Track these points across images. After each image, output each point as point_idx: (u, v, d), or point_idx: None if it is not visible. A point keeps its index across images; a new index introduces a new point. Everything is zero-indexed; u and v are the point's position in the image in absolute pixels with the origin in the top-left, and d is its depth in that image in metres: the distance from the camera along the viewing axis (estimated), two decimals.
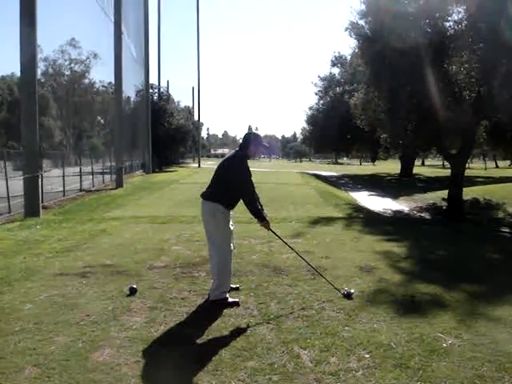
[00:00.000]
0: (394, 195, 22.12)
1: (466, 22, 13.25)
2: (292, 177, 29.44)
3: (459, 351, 3.66)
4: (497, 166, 60.24)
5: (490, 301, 4.88)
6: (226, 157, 4.96)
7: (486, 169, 52.91)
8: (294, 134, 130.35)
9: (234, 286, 5.06)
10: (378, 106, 16.17)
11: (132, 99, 33.95)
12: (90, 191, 18.75)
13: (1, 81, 57.03)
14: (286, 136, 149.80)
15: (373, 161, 56.42)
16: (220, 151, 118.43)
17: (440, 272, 6.07)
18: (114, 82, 23.36)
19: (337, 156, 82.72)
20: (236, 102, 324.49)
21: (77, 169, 19.89)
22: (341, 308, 4.57)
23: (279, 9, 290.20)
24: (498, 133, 20.70)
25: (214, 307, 4.56)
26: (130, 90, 31.25)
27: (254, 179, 4.78)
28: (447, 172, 22.56)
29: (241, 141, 4.91)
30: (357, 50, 17.72)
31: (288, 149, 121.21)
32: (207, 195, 4.70)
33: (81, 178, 18.98)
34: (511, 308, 4.65)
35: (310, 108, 43.77)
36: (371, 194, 22.98)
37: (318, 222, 10.33)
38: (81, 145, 54.97)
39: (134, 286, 5.02)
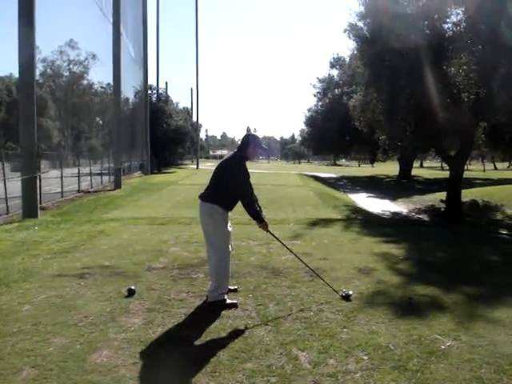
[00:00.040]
0: (393, 197, 22.15)
1: (464, 24, 13.29)
2: (290, 178, 29.46)
3: (458, 353, 3.66)
4: (495, 168, 60.40)
5: (488, 303, 4.89)
6: (225, 158, 4.95)
7: (484, 170, 53.03)
8: (293, 136, 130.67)
9: (232, 287, 5.05)
10: (377, 108, 16.20)
11: (130, 100, 33.89)
12: (89, 192, 18.72)
13: None
14: (285, 137, 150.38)
15: (371, 162, 56.34)
16: (219, 152, 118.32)
17: (438, 274, 6.07)
18: (112, 83, 23.34)
19: (335, 158, 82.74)
20: (235, 104, 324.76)
21: (75, 170, 19.87)
22: (339, 310, 4.57)
23: (278, 10, 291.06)
24: (497, 134, 20.75)
25: (212, 309, 4.55)
26: (128, 91, 31.21)
27: (252, 181, 4.77)
28: (446, 174, 22.59)
29: (239, 142, 4.91)
30: (356, 52, 17.75)
31: (286, 150, 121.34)
32: (205, 196, 4.69)
33: (79, 179, 18.95)
34: (510, 310, 4.65)
35: (309, 110, 43.82)
36: (370, 196, 23.01)
37: (316, 223, 10.32)
38: (79, 146, 54.86)
39: (133, 288, 5.01)
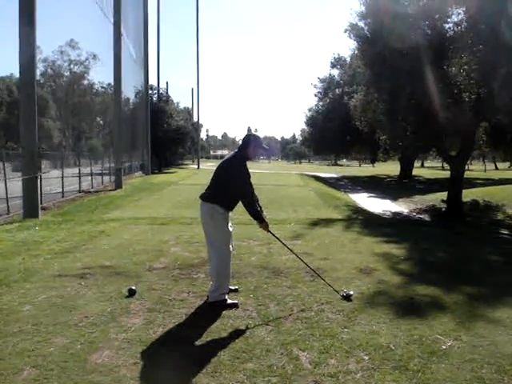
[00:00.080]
0: (394, 197, 22.14)
1: (465, 24, 13.28)
2: (291, 178, 29.46)
3: (458, 353, 3.65)
4: (496, 168, 60.35)
5: (489, 303, 4.88)
6: (226, 158, 4.95)
7: (485, 170, 53.01)
8: (294, 136, 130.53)
9: (232, 287, 5.05)
10: (378, 108, 16.20)
11: (131, 100, 33.93)
12: (89, 192, 18.73)
13: (0, 81, 56.98)
14: (286, 137, 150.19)
15: (372, 162, 56.40)
16: (219, 152, 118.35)
17: (439, 274, 6.07)
18: (113, 83, 23.34)
19: (336, 158, 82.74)
20: (235, 104, 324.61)
21: (76, 170, 19.88)
22: (340, 310, 4.57)
23: (279, 10, 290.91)
24: (498, 134, 20.77)
25: (213, 309, 4.55)
26: (129, 91, 31.25)
27: (253, 180, 4.77)
28: (447, 174, 22.59)
29: (240, 142, 4.91)
30: (356, 52, 17.76)
31: (287, 150, 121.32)
32: (206, 196, 4.69)
33: (80, 179, 18.96)
34: (511, 310, 4.64)
35: (310, 109, 43.87)
36: (370, 196, 23.00)
37: (317, 223, 10.32)
38: (80, 146, 54.87)
39: (133, 288, 5.01)
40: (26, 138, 11.18)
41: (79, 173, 19.22)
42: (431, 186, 28.31)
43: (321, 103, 42.92)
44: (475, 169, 54.33)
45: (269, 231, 4.82)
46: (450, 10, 13.69)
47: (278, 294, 5.06)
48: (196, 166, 50.80)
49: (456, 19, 13.83)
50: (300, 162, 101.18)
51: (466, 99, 14.30)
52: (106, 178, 23.43)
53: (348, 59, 39.04)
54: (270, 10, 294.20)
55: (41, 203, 12.34)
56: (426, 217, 15.64)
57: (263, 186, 17.73)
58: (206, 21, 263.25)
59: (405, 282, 5.61)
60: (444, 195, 16.88)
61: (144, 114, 34.03)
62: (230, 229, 4.75)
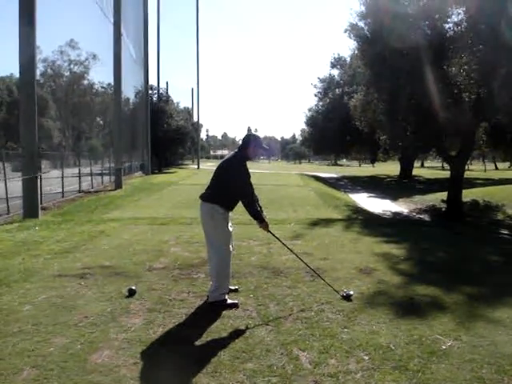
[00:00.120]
0: (394, 197, 22.14)
1: (465, 24, 13.28)
2: (291, 178, 29.46)
3: (458, 353, 3.65)
4: (496, 168, 60.35)
5: (489, 303, 4.88)
6: (226, 158, 4.95)
7: (485, 170, 53.01)
8: (294, 136, 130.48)
9: (232, 287, 5.05)
10: (378, 108, 16.20)
11: (131, 100, 33.93)
12: (89, 192, 18.73)
13: (0, 81, 56.98)
14: (286, 137, 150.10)
15: (372, 162, 56.39)
16: (219, 152, 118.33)
17: (439, 274, 6.07)
18: (113, 83, 23.35)
19: (336, 158, 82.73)
20: (235, 104, 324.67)
21: (76, 170, 19.87)
22: (340, 310, 4.57)
23: (279, 10, 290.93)
24: (498, 134, 20.78)
25: (213, 309, 4.55)
26: (129, 91, 31.26)
27: (253, 180, 4.77)
28: (447, 174, 22.59)
29: (240, 142, 4.91)
30: (356, 52, 17.76)
31: (287, 150, 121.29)
32: (206, 196, 4.69)
33: (80, 179, 18.96)
34: (510, 310, 4.64)
35: (310, 109, 43.88)
36: (370, 196, 23.00)
37: (317, 223, 10.32)
38: (80, 146, 54.88)
39: (133, 288, 5.01)
40: (25, 137, 11.18)
41: (79, 173, 19.21)
42: (431, 185, 28.31)
43: (321, 103, 42.93)
44: (475, 169, 54.33)
45: (269, 231, 4.82)
46: (449, 10, 13.70)
47: (278, 294, 5.06)
48: (196, 166, 50.81)
49: (456, 19, 13.85)
50: (300, 162, 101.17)
51: (466, 99, 14.30)
52: (106, 178, 23.43)
53: (348, 59, 39.07)
54: (270, 10, 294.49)
55: (41, 203, 12.34)
56: (426, 217, 15.64)
57: (263, 186, 17.73)
58: (205, 21, 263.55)
59: (405, 282, 5.61)
60: (444, 195, 16.88)
61: (144, 114, 34.03)
62: (230, 229, 4.75)
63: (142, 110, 34.20)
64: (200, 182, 18.98)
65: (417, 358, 3.55)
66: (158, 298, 4.87)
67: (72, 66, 59.54)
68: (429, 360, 3.52)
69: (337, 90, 42.07)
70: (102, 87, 61.19)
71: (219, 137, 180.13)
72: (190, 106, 55.97)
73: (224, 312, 4.48)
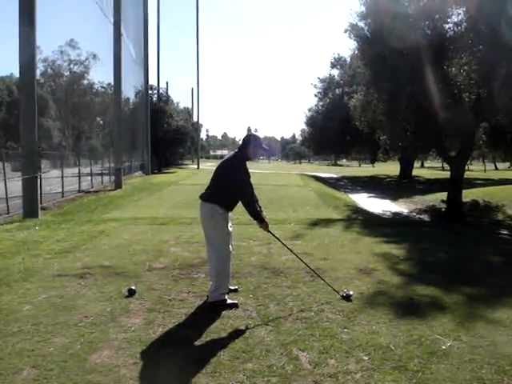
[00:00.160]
0: (394, 197, 22.14)
1: (465, 24, 13.27)
2: (291, 178, 29.47)
3: (458, 353, 3.66)
4: (496, 168, 60.36)
5: (489, 303, 4.88)
6: (225, 158, 4.95)
7: (485, 171, 53.00)
8: (294, 136, 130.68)
9: (232, 287, 5.05)
10: (378, 108, 16.19)
11: (131, 100, 33.94)
12: (89, 192, 18.73)
13: (0, 81, 56.98)
14: (286, 137, 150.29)
15: (372, 162, 56.38)
16: (219, 152, 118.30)
17: (439, 274, 6.07)
18: (113, 83, 23.35)
19: (336, 158, 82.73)
20: (235, 104, 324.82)
21: (76, 170, 19.86)
22: (340, 310, 4.57)
23: (278, 10, 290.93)
24: (498, 135, 20.78)
25: (212, 309, 4.55)
26: (129, 91, 31.26)
27: (252, 181, 4.77)
28: (446, 174, 22.58)
29: (240, 142, 4.91)
30: (356, 52, 17.75)
31: (287, 150, 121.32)
32: (206, 196, 4.69)
33: (80, 178, 18.96)
34: (510, 310, 4.64)
35: (310, 109, 43.90)
36: (370, 196, 23.01)
37: (317, 223, 10.32)
38: (80, 146, 54.89)
39: (133, 288, 5.01)
40: (25, 137, 11.18)
41: (79, 173, 19.21)
42: (431, 186, 28.32)
43: (321, 103, 42.93)
44: (475, 169, 54.33)
45: (269, 231, 4.82)
46: (450, 11, 13.69)
47: (278, 294, 5.06)
48: (196, 166, 50.81)
49: (456, 19, 13.84)
50: (300, 162, 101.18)
51: (466, 99, 14.31)
52: (106, 178, 23.42)
53: (348, 59, 39.06)
54: (270, 10, 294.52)
55: (41, 203, 12.34)
56: (425, 217, 15.64)
57: (263, 186, 17.74)
58: (205, 21, 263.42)
59: (404, 283, 5.61)
60: (444, 195, 16.87)
61: (144, 114, 34.03)
62: (230, 229, 4.76)
63: (141, 109, 34.20)
64: (200, 182, 18.98)
65: (416, 358, 3.55)
66: (158, 298, 4.87)
67: (72, 65, 59.59)
68: (428, 360, 3.52)
69: (337, 90, 42.07)
70: (102, 87, 61.28)
71: (219, 137, 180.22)
72: (190, 106, 56.01)
73: (224, 312, 4.48)
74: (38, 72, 32.91)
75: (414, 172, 40.65)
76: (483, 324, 4.28)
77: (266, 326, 4.17)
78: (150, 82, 38.77)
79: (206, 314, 4.44)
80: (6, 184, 11.47)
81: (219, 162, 4.99)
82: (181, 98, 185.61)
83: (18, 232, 8.88)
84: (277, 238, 5.10)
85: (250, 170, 4.74)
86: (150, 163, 35.04)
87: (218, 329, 4.11)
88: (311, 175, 35.21)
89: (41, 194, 12.71)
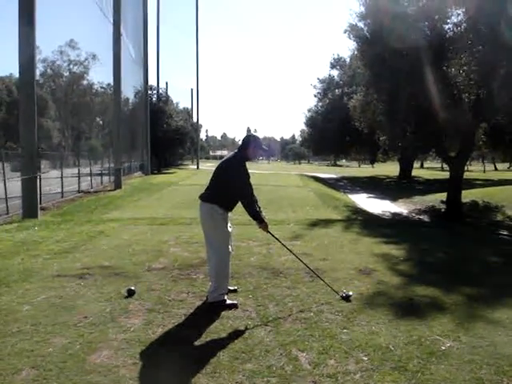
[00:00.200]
0: (393, 197, 22.15)
1: (465, 25, 13.28)
2: (291, 179, 29.46)
3: (458, 354, 3.65)
4: (496, 169, 60.34)
5: (488, 303, 4.88)
6: (225, 158, 4.95)
7: (484, 171, 52.97)
8: (293, 136, 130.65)
9: (232, 288, 5.05)
10: (377, 108, 16.19)
11: (131, 100, 33.91)
12: (89, 192, 18.72)
13: None
14: (285, 138, 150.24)
15: (372, 163, 56.34)
16: (219, 153, 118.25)
17: (439, 274, 6.07)
18: (112, 83, 23.35)
19: (336, 158, 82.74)
20: (235, 104, 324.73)
21: (75, 170, 19.86)
22: (339, 310, 4.56)
23: (278, 10, 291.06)
24: (497, 135, 20.78)
25: (212, 309, 4.55)
26: (128, 92, 31.24)
27: (252, 181, 4.76)
28: (446, 174, 22.59)
29: (240, 143, 4.91)
30: (356, 52, 17.75)
31: (287, 151, 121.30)
32: (205, 197, 4.69)
33: (79, 179, 18.96)
34: (510, 311, 4.64)
35: (309, 110, 43.83)
36: (370, 197, 23.01)
37: (316, 224, 10.32)
38: (79, 146, 54.90)
39: (132, 288, 5.01)
40: (25, 138, 11.17)
41: (78, 173, 19.20)
42: (430, 186, 28.33)
43: (320, 104, 42.89)
44: (474, 169, 54.34)
45: (268, 232, 4.81)
46: (449, 11, 13.70)
47: (278, 294, 5.06)
48: (195, 167, 50.82)
49: (456, 20, 13.85)
50: (299, 163, 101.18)
51: (466, 100, 14.32)
52: (106, 178, 23.42)
53: (348, 60, 39.02)
54: (270, 10, 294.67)
55: (40, 203, 12.33)
56: (425, 217, 15.65)
57: (263, 187, 17.73)
58: (205, 21, 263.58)
59: (404, 283, 5.61)
60: (443, 196, 16.87)
61: (143, 115, 34.03)
62: (230, 229, 4.75)
63: (141, 110, 34.20)
64: (199, 182, 18.98)
65: (416, 358, 3.55)
66: (158, 299, 4.87)
67: (72, 66, 59.65)
68: (428, 361, 3.52)
69: (336, 90, 42.03)
70: (102, 87, 61.34)
71: (219, 137, 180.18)
72: (190, 106, 56.04)
73: (223, 312, 4.48)
74: (37, 72, 32.88)
75: (414, 172, 40.65)
76: (483, 324, 4.28)
77: (265, 326, 4.17)
78: (150, 82, 38.85)
79: (206, 315, 4.43)
80: (5, 184, 11.46)
81: (219, 162, 4.99)
82: (180, 98, 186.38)
83: (18, 232, 8.88)
84: (276, 238, 5.10)
85: (249, 171, 4.74)
86: (150, 163, 35.04)
87: (217, 329, 4.11)
88: (311, 176, 35.21)
89: (40, 194, 12.71)
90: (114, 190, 20.44)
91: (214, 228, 4.63)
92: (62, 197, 15.94)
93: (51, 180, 16.32)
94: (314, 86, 44.30)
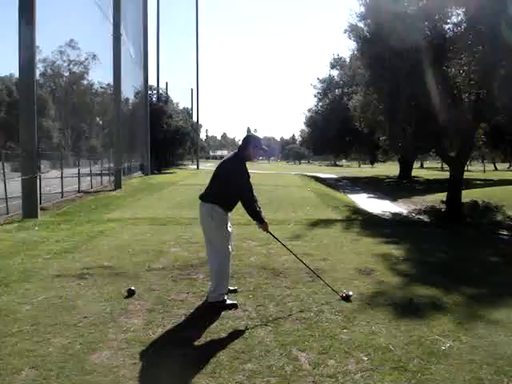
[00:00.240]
0: (393, 197, 22.15)
1: (465, 25, 13.26)
2: (291, 179, 29.46)
3: (458, 354, 3.65)
4: (496, 169, 60.34)
5: (488, 303, 4.88)
6: (225, 158, 4.94)
7: (484, 171, 52.94)
8: (293, 136, 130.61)
9: (232, 288, 5.05)
10: (377, 108, 16.16)
11: (131, 100, 33.92)
12: (89, 192, 18.73)
13: (0, 81, 56.98)
14: (285, 138, 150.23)
15: (372, 163, 56.33)
16: (219, 153, 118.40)
17: (439, 274, 6.07)
18: (112, 83, 23.35)
19: (336, 158, 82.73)
20: (235, 104, 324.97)
21: (75, 170, 19.87)
22: (339, 310, 4.56)
23: (278, 10, 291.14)
24: (497, 135, 20.78)
25: (212, 309, 4.55)
26: (128, 92, 31.26)
27: (252, 181, 4.76)
28: (446, 174, 22.58)
29: (240, 143, 4.91)
30: (356, 52, 17.72)
31: (287, 151, 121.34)
32: (205, 197, 4.69)
33: (79, 179, 18.95)
34: (510, 311, 4.64)
35: (309, 110, 43.76)
36: (370, 197, 23.01)
37: (316, 224, 10.32)
38: (79, 146, 54.94)
39: (132, 288, 5.01)
40: (25, 138, 11.17)
41: (78, 173, 19.21)
42: (430, 186, 28.31)
43: (320, 104, 42.83)
44: (474, 169, 54.33)
45: (268, 232, 4.81)
46: (449, 11, 13.68)
47: (278, 294, 5.06)
48: (195, 167, 50.89)
49: (456, 20, 13.81)
50: (299, 163, 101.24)
51: (466, 100, 14.29)
52: (106, 179, 23.43)
53: (348, 60, 38.97)
54: (270, 11, 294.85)
55: (40, 203, 12.33)
56: (425, 217, 15.62)
57: (263, 187, 17.74)
58: (205, 21, 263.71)
59: (404, 283, 5.61)
60: (443, 196, 16.85)
61: (143, 115, 34.04)
62: (230, 229, 4.75)
63: (141, 110, 34.21)
64: (199, 182, 18.95)
65: (416, 358, 3.55)
66: (158, 299, 4.87)
67: (72, 66, 59.71)
68: (428, 361, 3.52)
69: (336, 90, 41.96)
70: (102, 87, 61.41)
71: (219, 137, 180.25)
72: (190, 106, 56.08)
73: (223, 312, 4.48)
74: (37, 72, 32.90)
75: (414, 172, 40.66)
76: (483, 324, 4.28)
77: (265, 326, 4.17)
78: (150, 83, 38.88)
79: (206, 315, 4.43)
80: (5, 184, 11.47)
81: (219, 162, 4.99)
82: (180, 98, 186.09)
83: (18, 232, 8.88)
84: (276, 238, 5.10)
85: (249, 171, 4.73)
86: (150, 163, 35.04)
87: (217, 329, 4.11)
88: (311, 176, 35.21)
89: (40, 194, 12.71)
90: (114, 190, 20.44)
91: (215, 228, 4.63)
92: (62, 197, 15.94)
93: (51, 180, 16.32)
94: (314, 86, 44.27)
